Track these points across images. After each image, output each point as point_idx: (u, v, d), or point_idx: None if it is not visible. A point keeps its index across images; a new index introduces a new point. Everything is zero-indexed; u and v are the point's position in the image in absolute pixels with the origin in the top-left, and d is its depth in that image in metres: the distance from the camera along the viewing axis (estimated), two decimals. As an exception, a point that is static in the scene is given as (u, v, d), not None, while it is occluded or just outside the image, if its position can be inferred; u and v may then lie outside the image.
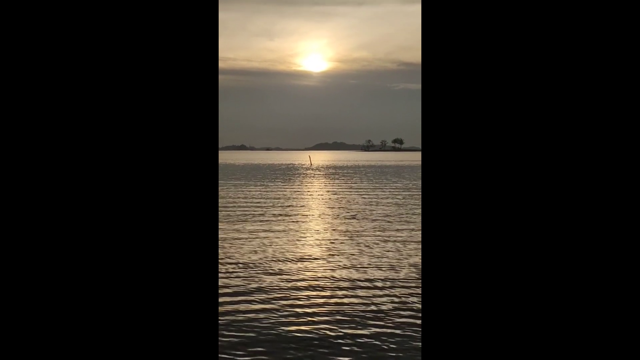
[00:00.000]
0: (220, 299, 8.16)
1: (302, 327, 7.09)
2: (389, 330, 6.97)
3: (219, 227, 14.46)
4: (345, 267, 10.49)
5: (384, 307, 7.92)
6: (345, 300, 8.29)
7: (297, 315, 7.60)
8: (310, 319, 7.44)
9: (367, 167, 69.69)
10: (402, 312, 7.69)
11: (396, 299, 8.33)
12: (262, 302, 8.18)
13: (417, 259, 11.20)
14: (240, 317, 7.46)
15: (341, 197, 25.78)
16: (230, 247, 12.51)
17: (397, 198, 25.16)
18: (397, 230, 15.27)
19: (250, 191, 29.27)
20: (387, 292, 8.75)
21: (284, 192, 28.77)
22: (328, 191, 29.85)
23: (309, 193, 28.77)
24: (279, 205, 22.20)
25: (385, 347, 6.45)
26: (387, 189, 31.31)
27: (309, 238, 14.03)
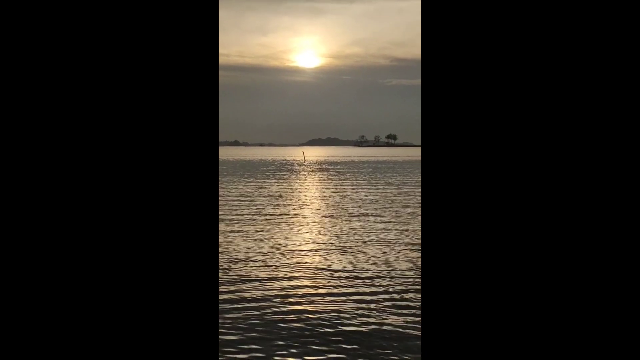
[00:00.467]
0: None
1: (299, 324, 7.09)
2: (386, 328, 6.97)
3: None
4: (341, 263, 10.50)
5: (382, 303, 7.94)
6: (343, 298, 8.30)
7: (295, 312, 7.60)
8: (307, 315, 7.44)
9: (360, 163, 70.01)
10: (400, 308, 7.70)
11: (395, 295, 8.35)
12: (258, 299, 8.18)
13: (414, 255, 11.22)
14: (235, 314, 7.44)
15: (334, 193, 25.86)
16: (226, 243, 12.49)
17: (390, 194, 25.24)
18: (393, 224, 15.30)
19: (244, 187, 29.32)
20: (384, 288, 8.77)
21: (278, 188, 28.85)
22: (322, 187, 29.96)
23: (303, 188, 28.87)
24: (274, 201, 22.27)
25: (385, 344, 6.45)
26: (380, 184, 31.42)
27: (304, 234, 14.04)
